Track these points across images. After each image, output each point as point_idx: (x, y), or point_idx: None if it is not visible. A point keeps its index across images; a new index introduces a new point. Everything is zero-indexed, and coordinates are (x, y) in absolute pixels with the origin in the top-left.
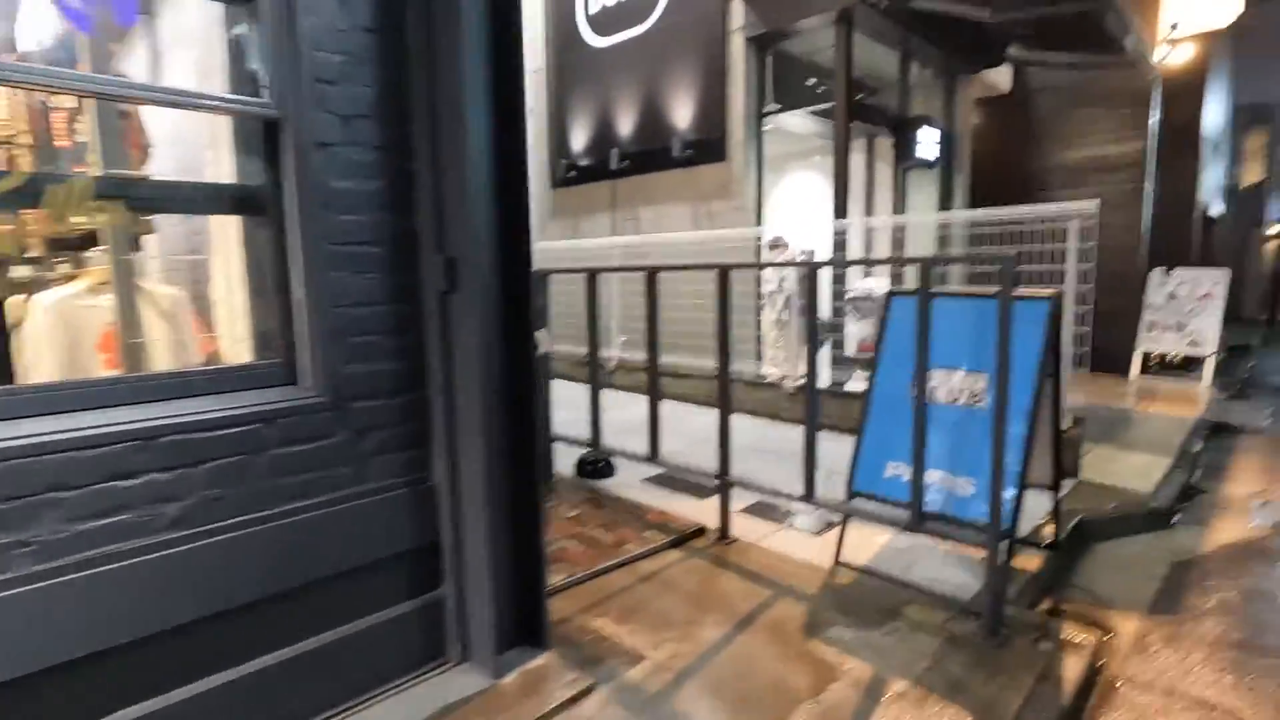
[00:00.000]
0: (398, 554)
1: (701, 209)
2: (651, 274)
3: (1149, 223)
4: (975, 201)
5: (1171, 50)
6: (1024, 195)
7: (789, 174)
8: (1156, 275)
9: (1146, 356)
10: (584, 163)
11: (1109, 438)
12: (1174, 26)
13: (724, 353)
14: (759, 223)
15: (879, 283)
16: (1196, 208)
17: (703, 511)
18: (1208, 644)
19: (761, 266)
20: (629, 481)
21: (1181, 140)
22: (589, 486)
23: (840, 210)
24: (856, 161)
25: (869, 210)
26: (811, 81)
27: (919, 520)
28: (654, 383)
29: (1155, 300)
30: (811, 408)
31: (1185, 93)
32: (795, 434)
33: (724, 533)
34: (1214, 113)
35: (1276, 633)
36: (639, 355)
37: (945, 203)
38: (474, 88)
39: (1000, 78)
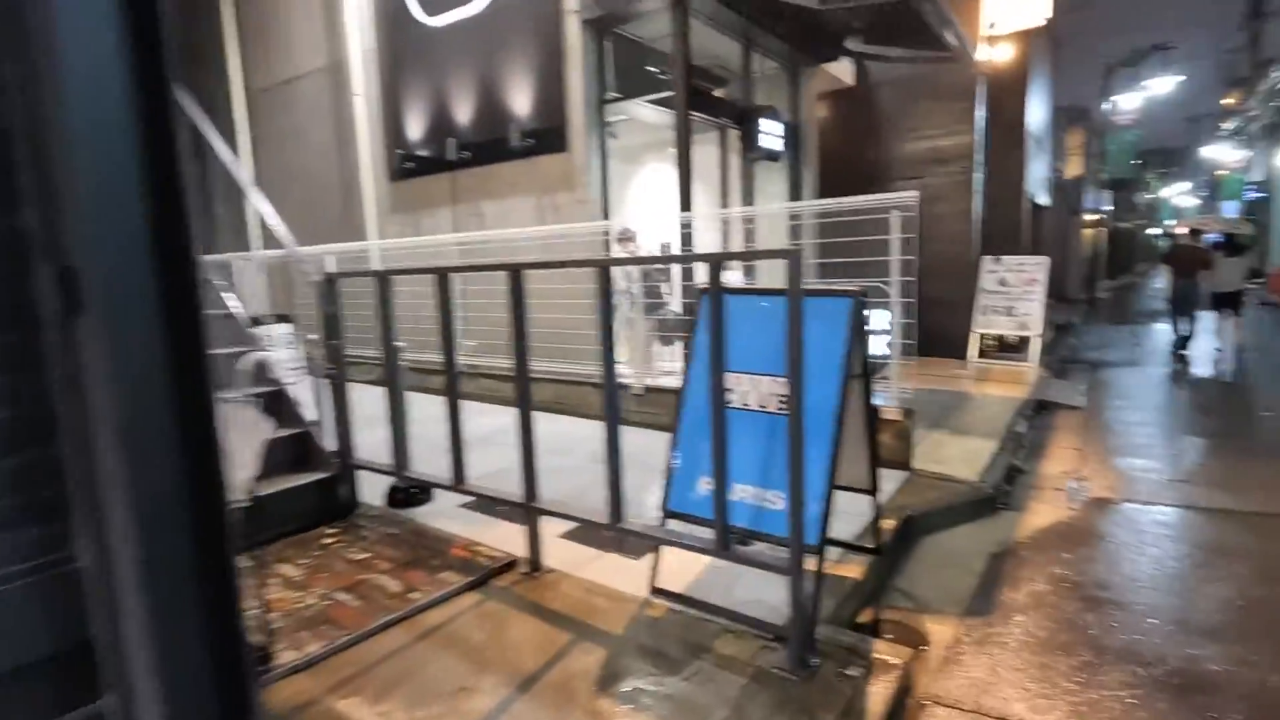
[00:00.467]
0: (34, 662)
1: (546, 202)
2: (515, 273)
3: (980, 212)
4: (824, 193)
5: (992, 48)
6: (868, 186)
7: (645, 166)
8: (988, 262)
9: (982, 339)
10: (421, 153)
11: (943, 423)
12: (992, 25)
13: (521, 353)
14: (606, 216)
15: (734, 276)
16: (1025, 197)
17: (523, 539)
18: (1016, 648)
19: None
20: (445, 509)
21: (1010, 136)
22: (398, 518)
23: (685, 203)
24: (710, 153)
25: (725, 203)
26: (654, 69)
27: (724, 544)
28: (453, 392)
29: (988, 285)
30: (610, 420)
31: (1011, 92)
32: (644, 439)
33: (535, 565)
34: (1037, 111)
35: (1078, 629)
36: (489, 360)
37: (795, 194)
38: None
39: (843, 72)
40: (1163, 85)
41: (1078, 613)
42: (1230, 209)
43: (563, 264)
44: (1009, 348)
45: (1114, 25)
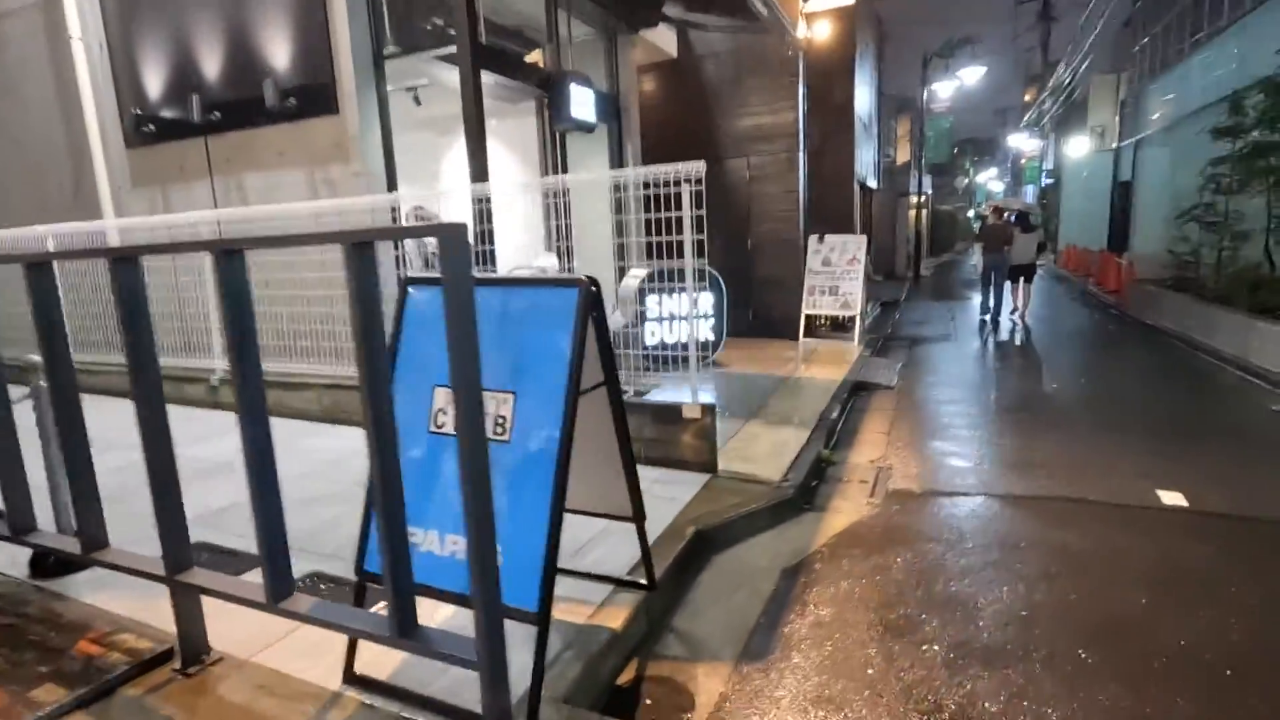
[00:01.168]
0: None
1: (319, 176)
2: (226, 255)
3: (805, 191)
4: None
5: (810, 26)
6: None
7: (461, 139)
8: (812, 242)
9: (810, 320)
10: (165, 114)
11: (760, 412)
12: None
13: (245, 358)
14: (392, 190)
15: (550, 261)
16: (855, 179)
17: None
18: (787, 703)
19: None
20: (116, 575)
21: (840, 119)
22: (32, 595)
23: (479, 175)
24: (529, 125)
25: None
26: (445, 22)
27: (403, 627)
28: (67, 404)
29: (813, 265)
30: (255, 460)
31: (838, 74)
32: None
33: (191, 656)
34: (864, 95)
35: (856, 668)
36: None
37: (618, 170)
38: None
39: (666, 42)
40: (971, 75)
41: (858, 645)
42: (1029, 193)
43: (276, 241)
44: (839, 326)
45: (934, 17)
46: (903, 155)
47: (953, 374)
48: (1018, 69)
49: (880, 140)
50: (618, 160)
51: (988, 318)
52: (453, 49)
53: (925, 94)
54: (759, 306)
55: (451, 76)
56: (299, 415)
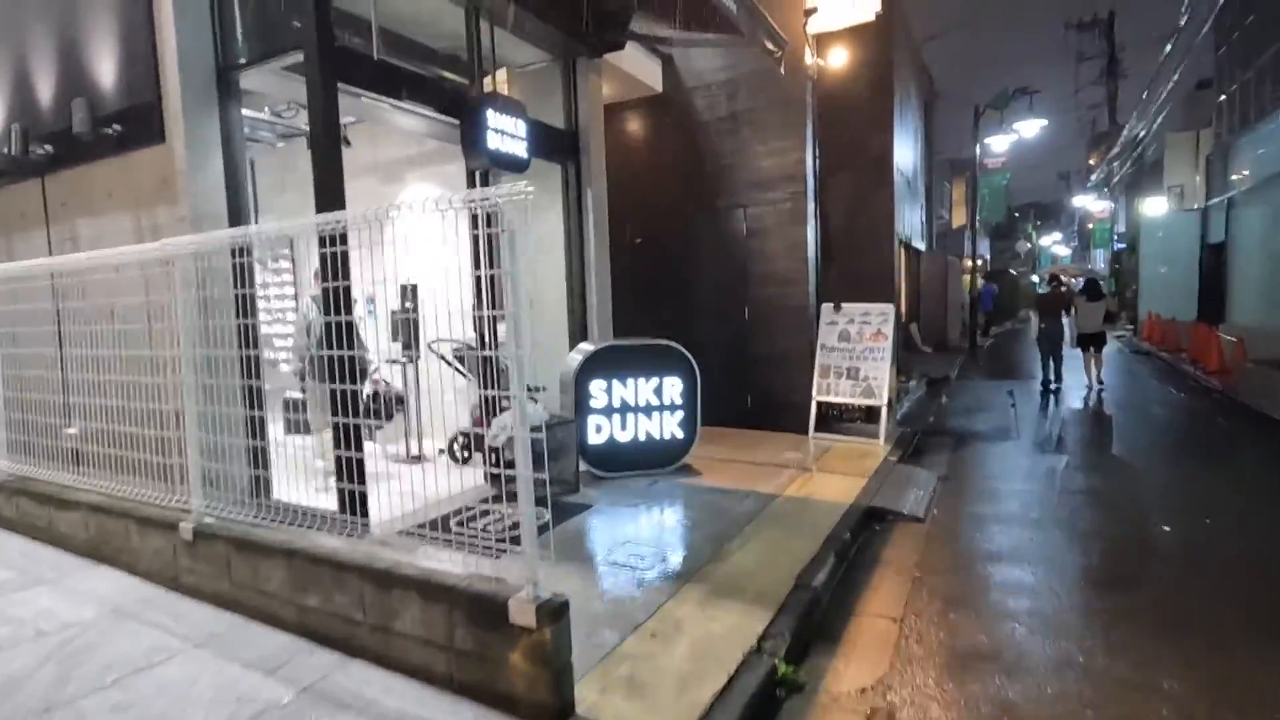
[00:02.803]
0: None
1: (145, 220)
2: None
3: (815, 247)
4: (615, 218)
5: (822, 59)
6: (677, 213)
7: (411, 186)
8: (826, 311)
9: (823, 408)
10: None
11: (706, 570)
12: (810, 11)
13: None
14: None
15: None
16: (896, 239)
17: None
18: None
19: None
20: None
21: (877, 172)
22: None
23: (326, 206)
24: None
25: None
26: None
27: None
28: None
29: (827, 340)
30: None
31: (876, 125)
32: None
33: None
34: (906, 150)
35: None
36: (41, 470)
37: (574, 221)
38: None
39: (648, 74)
40: (1029, 128)
41: None
42: (1099, 257)
43: None
44: (859, 416)
45: (985, 72)
46: (959, 219)
47: (1012, 499)
48: (1081, 128)
49: (931, 201)
50: (575, 209)
51: (1049, 389)
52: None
53: (978, 148)
54: (758, 390)
55: (404, 119)
56: (57, 542)
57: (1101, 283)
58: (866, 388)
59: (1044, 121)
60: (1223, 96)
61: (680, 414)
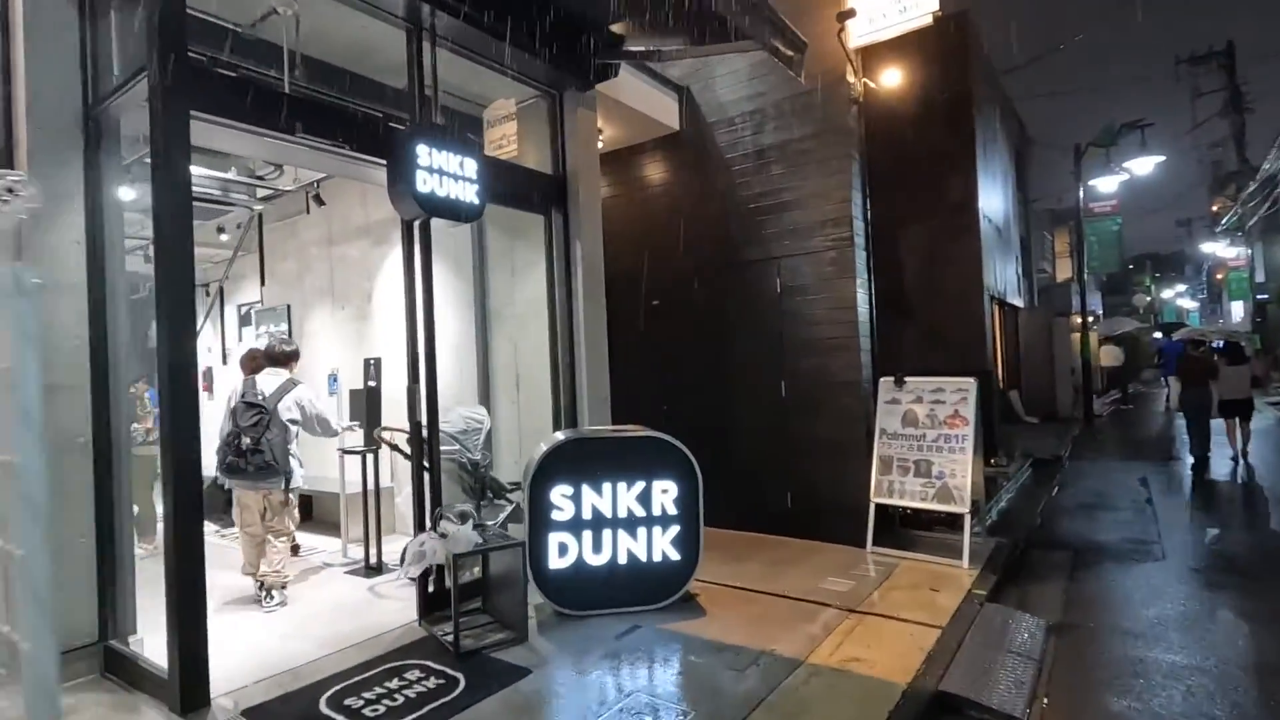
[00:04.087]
0: None
1: None
2: None
3: (871, 308)
4: (616, 276)
5: (864, 70)
6: (701, 270)
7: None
8: (885, 387)
9: (887, 512)
10: None
11: None
12: (846, 14)
13: None
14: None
15: (474, 411)
16: (985, 294)
17: None
18: None
19: None
20: None
21: (960, 218)
22: None
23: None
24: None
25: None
26: (253, 66)
27: None
28: None
29: (887, 424)
30: None
31: (956, 165)
32: None
33: None
34: (994, 195)
35: None
36: None
37: (562, 280)
38: None
39: (664, 111)
40: (1142, 166)
41: None
42: (1235, 311)
43: None
44: (940, 520)
45: (1085, 120)
46: (1064, 273)
47: (1174, 678)
48: (1202, 170)
49: (1030, 255)
50: (564, 267)
51: (1198, 463)
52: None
53: (1082, 191)
54: (800, 486)
55: (290, 152)
56: None
57: (1244, 344)
58: (942, 488)
59: (1160, 158)
60: None
61: (675, 529)
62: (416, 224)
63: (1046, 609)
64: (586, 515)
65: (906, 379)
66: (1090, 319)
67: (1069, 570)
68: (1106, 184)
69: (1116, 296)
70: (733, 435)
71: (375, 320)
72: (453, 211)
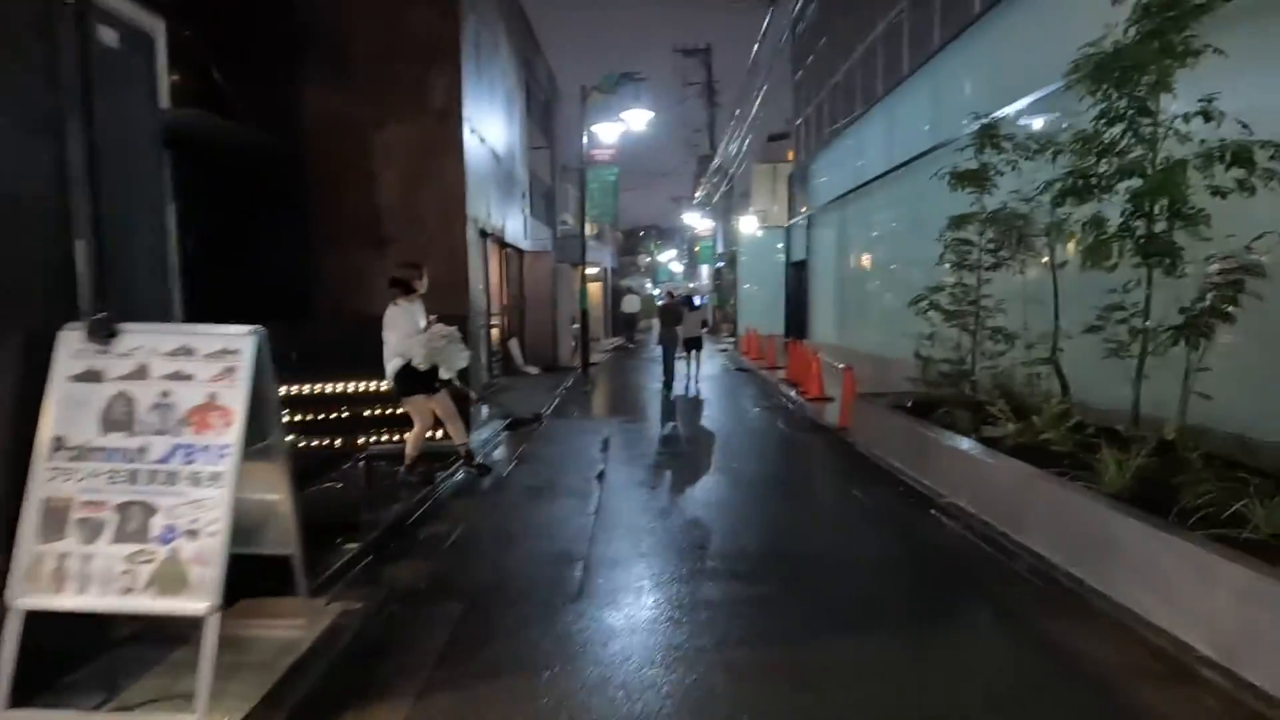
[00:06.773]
0: None
1: None
2: None
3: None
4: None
5: None
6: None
7: None
8: (71, 344)
9: (60, 625)
10: None
11: None
12: None
13: None
14: None
15: None
16: (469, 225)
17: None
18: None
19: None
20: None
21: (442, 130)
22: None
23: None
24: None
25: None
26: None
27: None
28: None
29: (72, 430)
30: None
31: (439, 65)
32: None
33: None
34: (495, 125)
35: None
36: None
37: None
38: None
39: None
40: (637, 119)
41: None
42: (704, 272)
43: None
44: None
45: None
46: (589, 230)
47: None
48: (690, 152)
49: (554, 205)
50: None
51: (665, 385)
52: None
53: (585, 136)
54: None
55: None
56: None
57: (696, 298)
58: (167, 564)
59: (651, 113)
60: (799, 121)
61: None
62: None
63: None
64: None
65: (121, 328)
66: (610, 271)
67: (438, 655)
68: (607, 133)
69: (628, 257)
70: None
71: None
72: None
